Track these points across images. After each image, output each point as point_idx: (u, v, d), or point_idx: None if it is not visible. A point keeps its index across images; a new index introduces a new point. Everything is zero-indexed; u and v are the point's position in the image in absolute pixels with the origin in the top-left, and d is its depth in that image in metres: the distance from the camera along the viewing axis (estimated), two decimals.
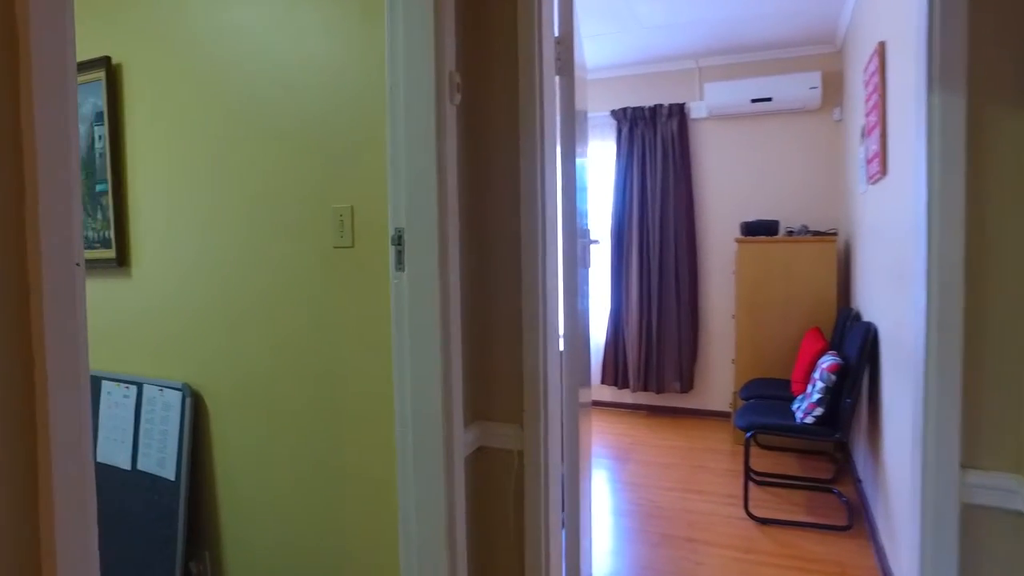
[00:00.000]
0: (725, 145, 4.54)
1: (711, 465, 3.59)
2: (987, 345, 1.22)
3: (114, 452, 2.02)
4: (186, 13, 1.84)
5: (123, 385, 2.01)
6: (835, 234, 3.82)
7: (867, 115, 2.78)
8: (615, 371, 4.92)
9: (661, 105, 4.60)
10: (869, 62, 2.68)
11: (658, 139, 4.62)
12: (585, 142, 2.29)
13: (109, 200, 1.99)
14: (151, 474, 1.94)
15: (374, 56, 1.58)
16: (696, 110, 4.55)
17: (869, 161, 2.74)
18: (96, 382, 2.06)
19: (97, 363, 2.14)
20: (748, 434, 2.86)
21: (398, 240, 1.43)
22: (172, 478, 1.90)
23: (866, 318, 2.99)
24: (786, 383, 3.66)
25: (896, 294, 2.23)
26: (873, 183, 2.72)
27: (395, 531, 1.64)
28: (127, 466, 1.99)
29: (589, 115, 4.91)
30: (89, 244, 2.07)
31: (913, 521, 1.26)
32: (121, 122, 1.98)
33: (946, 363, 1.20)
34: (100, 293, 2.11)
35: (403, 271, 1.43)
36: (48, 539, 0.60)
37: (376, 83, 1.58)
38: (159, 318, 2.00)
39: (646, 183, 4.70)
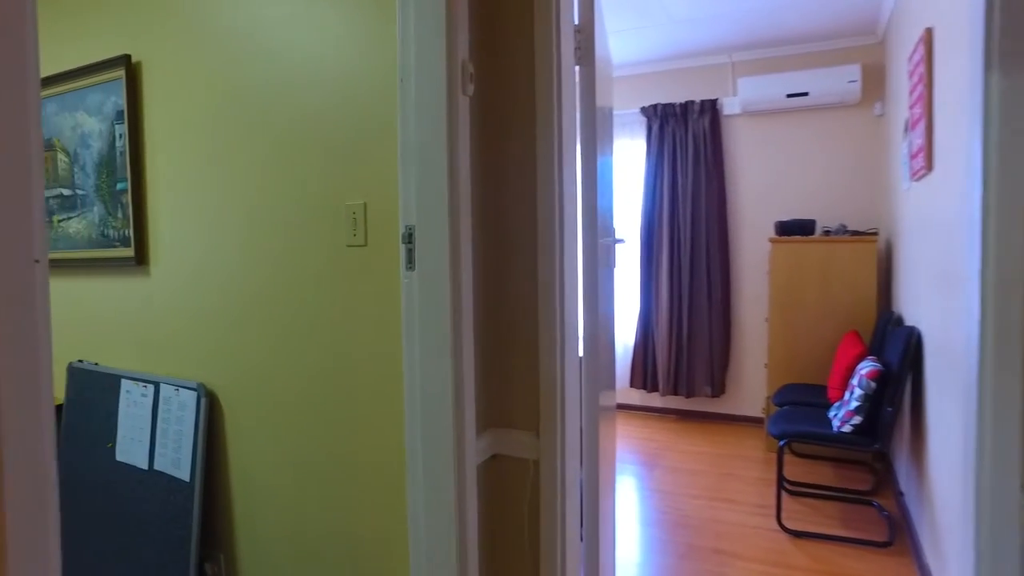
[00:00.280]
0: (759, 142, 4.39)
1: (742, 473, 3.46)
2: None
3: (133, 451, 2.01)
4: (204, 10, 1.82)
5: (141, 384, 2.00)
6: (875, 233, 3.65)
7: (911, 108, 2.63)
8: (644, 374, 4.80)
9: (692, 101, 4.47)
10: (914, 51, 2.54)
11: (689, 136, 4.49)
12: (610, 139, 2.20)
13: (128, 198, 1.98)
14: (167, 474, 1.92)
15: (390, 49, 1.53)
16: (729, 106, 4.41)
17: (913, 156, 2.59)
18: (116, 381, 2.06)
19: (117, 362, 2.14)
20: (782, 442, 2.74)
21: (409, 238, 1.37)
22: (187, 479, 1.87)
23: (909, 322, 2.84)
24: (822, 389, 3.51)
25: (943, 297, 2.09)
26: (917, 179, 2.56)
27: (408, 538, 1.58)
28: (144, 466, 1.98)
29: (618, 112, 4.81)
30: (110, 242, 2.07)
31: (967, 547, 1.15)
32: (141, 120, 1.97)
33: (1004, 374, 1.08)
34: (119, 292, 2.10)
35: (414, 270, 1.37)
36: None
37: (391, 76, 1.53)
38: (175, 317, 1.98)
39: (677, 181, 4.58)
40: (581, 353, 1.83)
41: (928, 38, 2.27)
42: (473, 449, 1.36)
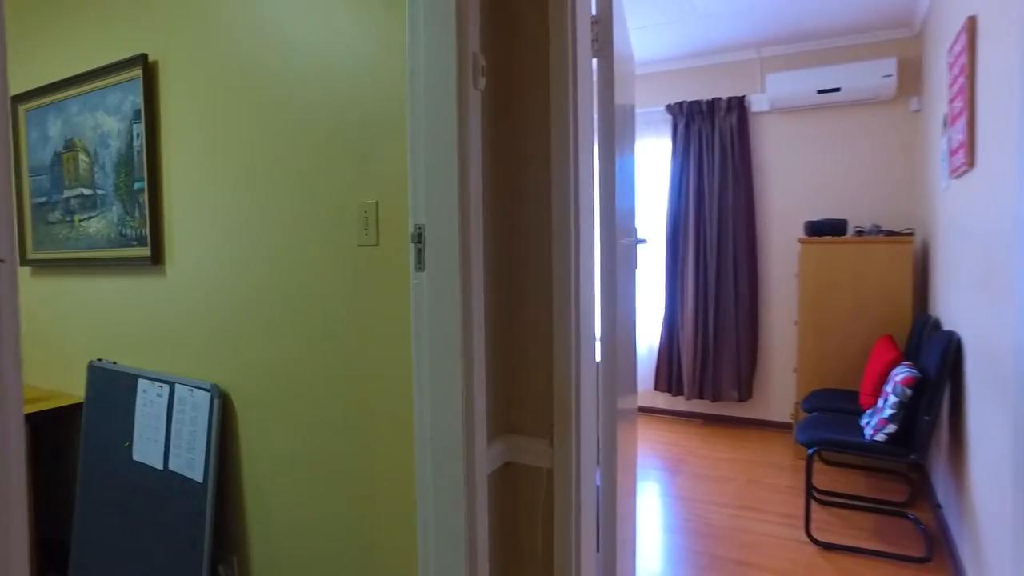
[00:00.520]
0: (788, 140, 4.26)
1: (769, 481, 3.35)
2: None
3: (148, 451, 2.00)
4: (217, 7, 1.80)
5: (157, 384, 1.99)
6: (911, 234, 3.51)
7: (951, 102, 2.51)
8: (669, 377, 4.70)
9: (719, 99, 4.36)
10: (955, 42, 2.42)
11: (716, 134, 4.38)
12: (631, 137, 2.14)
13: (145, 198, 1.98)
14: (181, 475, 1.91)
15: (403, 44, 1.49)
16: (757, 103, 4.30)
17: (953, 153, 2.47)
18: (133, 380, 2.06)
19: (135, 361, 2.14)
20: (811, 450, 2.63)
21: (418, 238, 1.32)
22: (200, 480, 1.86)
23: (947, 327, 2.71)
24: (853, 395, 3.38)
25: (986, 300, 1.98)
26: (957, 177, 2.44)
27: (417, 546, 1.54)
28: (160, 466, 1.97)
29: (643, 111, 4.72)
30: (127, 242, 2.07)
31: (1016, 563, 1.06)
32: (157, 119, 1.97)
33: None
34: (137, 291, 2.11)
35: (423, 271, 1.32)
36: None
37: (403, 71, 1.49)
38: (189, 317, 1.97)
39: (703, 181, 4.48)
40: (599, 357, 1.77)
41: (971, 27, 2.16)
42: (484, 457, 1.31)
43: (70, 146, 2.23)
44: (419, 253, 1.33)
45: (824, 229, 3.73)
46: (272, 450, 1.82)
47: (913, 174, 3.89)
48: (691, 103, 4.46)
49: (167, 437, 1.96)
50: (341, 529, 1.69)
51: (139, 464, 2.02)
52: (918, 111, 3.82)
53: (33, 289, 2.52)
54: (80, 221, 2.23)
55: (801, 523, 2.80)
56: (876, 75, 3.73)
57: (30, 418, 2.18)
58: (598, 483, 1.80)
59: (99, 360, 2.20)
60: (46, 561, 2.43)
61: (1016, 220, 1.10)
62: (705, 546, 2.61)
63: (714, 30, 3.91)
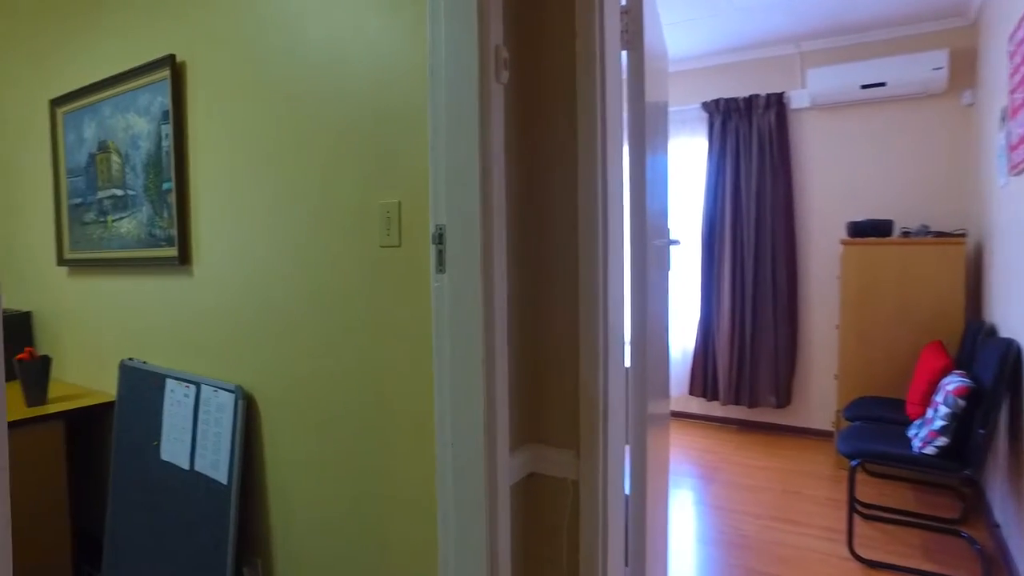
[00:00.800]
0: (830, 137, 4.10)
1: (808, 491, 3.22)
2: None
3: (176, 451, 2.01)
4: (242, 7, 1.79)
5: (184, 384, 2.00)
6: (963, 235, 3.33)
7: (1012, 93, 2.36)
8: (704, 382, 4.58)
9: (757, 95, 4.23)
10: (1017, 29, 2.27)
11: (753, 132, 4.25)
12: (664, 135, 2.06)
13: (173, 198, 1.99)
14: (206, 475, 1.91)
15: (425, 39, 1.45)
16: (797, 99, 4.15)
17: (1013, 148, 2.32)
18: (161, 380, 2.07)
19: (163, 360, 2.15)
20: (854, 462, 2.50)
21: (439, 238, 1.28)
22: (224, 481, 1.85)
23: (1005, 333, 2.55)
24: (899, 404, 3.22)
25: None
26: (1017, 174, 2.29)
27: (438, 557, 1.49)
28: (186, 466, 1.97)
29: (677, 108, 4.61)
30: (156, 242, 2.08)
31: None
32: (184, 120, 1.97)
33: None
34: (165, 291, 2.12)
35: (444, 273, 1.28)
36: None
37: (426, 67, 1.45)
38: (215, 317, 1.97)
39: (740, 180, 4.35)
40: (629, 362, 1.71)
41: None
42: (507, 467, 1.25)
43: (103, 148, 2.26)
44: (440, 254, 1.28)
45: (868, 230, 3.58)
46: (295, 452, 1.80)
47: (965, 171, 3.69)
48: (727, 100, 4.34)
49: (193, 437, 1.96)
50: (363, 532, 1.65)
51: (167, 464, 2.03)
52: (971, 105, 3.63)
53: (69, 288, 2.57)
54: (112, 221, 2.26)
55: (843, 538, 2.67)
56: (926, 68, 3.56)
57: (66, 415, 2.22)
58: (627, 492, 1.73)
59: (130, 359, 2.22)
60: (81, 553, 2.47)
61: None
62: (740, 559, 2.51)
63: (751, 24, 3.79)
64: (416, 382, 1.51)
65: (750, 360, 4.33)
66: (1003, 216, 2.62)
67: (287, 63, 1.70)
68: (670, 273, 2.15)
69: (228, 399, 1.87)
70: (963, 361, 2.93)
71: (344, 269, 1.63)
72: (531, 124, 1.35)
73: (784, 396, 4.26)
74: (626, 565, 1.59)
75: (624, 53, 1.47)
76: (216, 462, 1.88)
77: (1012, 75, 2.33)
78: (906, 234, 3.54)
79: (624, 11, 1.44)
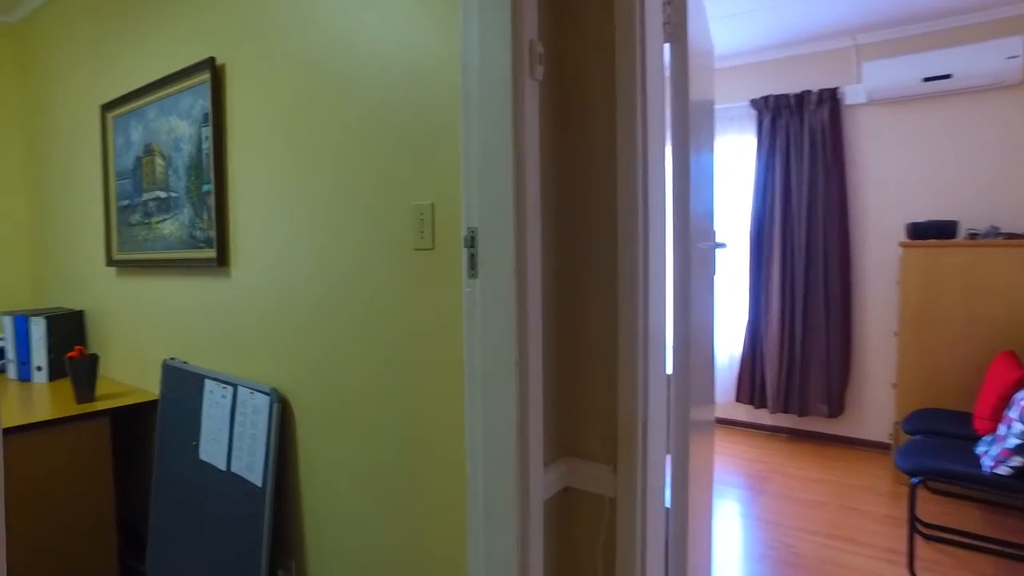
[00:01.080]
0: (888, 134, 3.89)
1: (865, 507, 3.04)
2: None
3: (213, 451, 2.02)
4: (278, 8, 1.79)
5: (221, 385, 2.01)
6: None
7: None
8: (751, 389, 4.42)
9: (809, 91, 4.05)
10: None
11: (805, 130, 4.07)
12: (710, 133, 1.97)
13: (212, 200, 2.00)
14: (242, 477, 1.91)
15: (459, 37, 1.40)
16: (852, 95, 3.95)
17: None
18: (200, 380, 2.09)
19: (202, 361, 2.18)
20: (916, 480, 2.34)
21: (471, 241, 1.23)
22: (259, 484, 1.85)
23: None
24: (965, 417, 3.01)
25: None
26: None
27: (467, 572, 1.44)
28: (223, 466, 1.98)
29: (725, 106, 4.46)
30: (196, 243, 2.11)
31: None
32: (224, 122, 1.99)
33: None
34: (204, 292, 2.14)
35: (476, 277, 1.23)
36: None
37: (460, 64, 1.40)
38: (251, 319, 1.97)
39: (790, 180, 4.17)
40: (671, 370, 1.62)
41: None
42: (540, 481, 1.20)
43: (149, 151, 2.30)
44: (472, 258, 1.24)
45: (930, 231, 3.37)
46: (328, 456, 1.78)
47: None
48: (777, 97, 4.17)
49: (230, 439, 1.97)
50: (394, 541, 1.62)
51: (205, 464, 2.05)
52: None
53: (117, 289, 2.63)
54: (156, 223, 2.30)
55: (904, 559, 2.51)
56: (998, 57, 3.33)
57: (112, 412, 2.27)
58: (668, 504, 1.65)
59: (172, 359, 2.26)
60: (126, 546, 2.53)
61: None
62: None
63: (803, 17, 3.62)
64: (448, 390, 1.47)
65: (800, 367, 4.15)
66: None
67: (322, 64, 1.68)
68: (716, 277, 2.05)
69: (263, 401, 1.86)
70: None
71: (377, 272, 1.60)
72: (567, 122, 1.29)
73: (837, 405, 4.06)
74: None
75: (667, 46, 1.40)
76: (251, 464, 1.88)
77: None
78: (973, 236, 3.32)
79: (666, 1, 1.36)
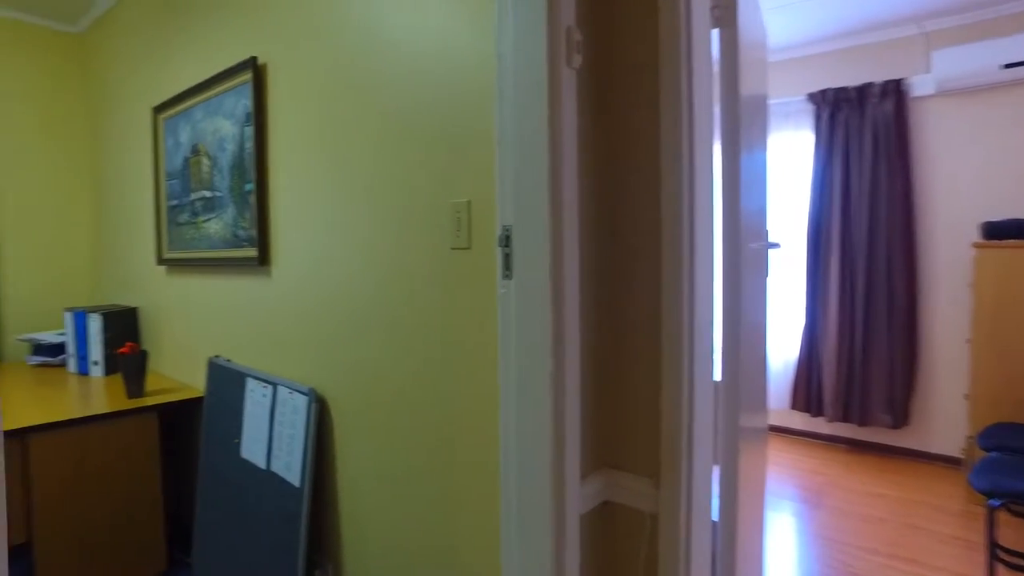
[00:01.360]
0: (960, 127, 3.64)
1: (933, 527, 2.84)
2: None
3: (254, 450, 2.03)
4: (318, 6, 1.78)
5: (262, 384, 2.02)
6: None
7: None
8: (808, 396, 4.21)
9: (871, 84, 3.83)
10: None
11: (866, 124, 3.85)
12: (763, 129, 1.86)
13: (254, 199, 2.01)
14: (280, 476, 1.91)
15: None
16: (919, 86, 3.71)
17: None
18: (242, 378, 2.11)
19: (245, 359, 2.20)
20: (995, 502, 2.16)
21: (506, 241, 1.17)
22: (297, 484, 1.84)
23: None
24: None
25: None
26: None
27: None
28: (263, 465, 1.99)
29: (779, 101, 4.27)
30: (239, 243, 2.12)
31: None
32: (265, 121, 1.99)
33: None
34: (247, 291, 2.15)
35: (511, 279, 1.17)
36: None
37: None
38: (291, 318, 1.97)
39: (850, 177, 3.96)
40: (719, 376, 1.53)
41: None
42: (576, 495, 1.13)
43: (196, 151, 2.34)
44: (507, 258, 1.18)
45: (1008, 231, 3.12)
46: (364, 459, 1.76)
47: None
48: (836, 90, 3.96)
49: (269, 438, 1.97)
50: (429, 548, 1.58)
51: (246, 462, 2.06)
52: None
53: (167, 286, 2.70)
54: (202, 222, 2.33)
55: None
56: None
57: (160, 408, 2.32)
58: (715, 518, 1.55)
59: (217, 356, 2.29)
60: (174, 539, 2.58)
61: None
62: None
63: (865, 5, 3.42)
64: (484, 395, 1.41)
65: (860, 373, 3.93)
66: None
67: (359, 61, 1.66)
68: (769, 278, 1.94)
69: (302, 401, 1.86)
70: None
71: (413, 272, 1.56)
72: (607, 114, 1.21)
73: (901, 415, 3.82)
74: None
75: (715, 32, 1.31)
76: (289, 464, 1.88)
77: None
78: None
79: None
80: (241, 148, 2.07)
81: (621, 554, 1.21)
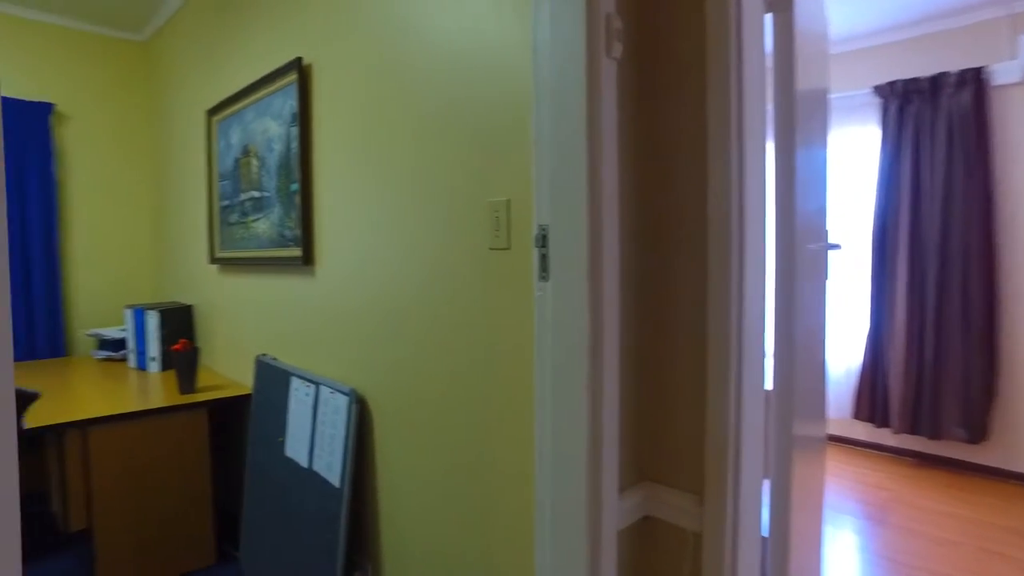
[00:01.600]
0: None
1: (1014, 553, 2.62)
2: None
3: (297, 449, 2.05)
4: (359, 4, 1.77)
5: (305, 383, 2.03)
6: None
7: None
8: (872, 404, 3.98)
9: (946, 73, 3.58)
10: None
11: (940, 117, 3.61)
12: (823, 124, 1.74)
13: (299, 199, 2.03)
14: (321, 476, 1.92)
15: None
16: (1003, 73, 3.44)
17: None
18: (286, 377, 2.13)
19: (290, 358, 2.22)
20: None
21: (542, 241, 1.12)
22: (337, 484, 1.84)
23: None
24: None
25: None
26: None
27: None
28: (305, 464, 2.00)
29: (843, 95, 4.06)
30: (285, 242, 2.15)
31: None
32: (310, 121, 2.01)
33: None
34: (292, 290, 2.18)
35: (547, 281, 1.12)
36: None
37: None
38: (333, 318, 1.98)
39: (921, 174, 3.71)
40: (771, 384, 1.44)
41: None
42: (614, 510, 1.07)
43: (246, 152, 2.39)
44: (543, 259, 1.13)
45: None
46: (403, 462, 1.74)
47: None
48: (907, 82, 3.72)
49: (312, 437, 1.98)
50: (466, 553, 1.54)
51: (290, 460, 2.08)
52: None
53: (219, 285, 2.77)
54: (251, 222, 2.38)
55: None
56: None
57: (210, 404, 2.37)
58: (765, 533, 1.46)
59: (264, 355, 2.32)
60: (224, 533, 2.64)
61: None
62: None
63: None
64: (520, 400, 1.37)
65: (931, 382, 3.68)
66: None
67: (400, 58, 1.64)
68: (829, 281, 1.82)
69: (343, 402, 1.86)
70: None
71: (453, 273, 1.53)
72: (650, 107, 1.15)
73: (978, 429, 3.55)
74: None
75: (768, 16, 1.22)
76: (331, 464, 1.88)
77: None
78: None
79: None
80: (287, 148, 2.09)
81: (661, 572, 1.14)
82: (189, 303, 3.10)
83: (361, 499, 1.92)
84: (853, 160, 4.06)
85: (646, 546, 1.17)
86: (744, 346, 1.08)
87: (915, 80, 3.69)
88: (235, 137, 2.47)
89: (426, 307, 1.62)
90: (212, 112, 2.64)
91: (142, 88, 3.59)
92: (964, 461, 3.67)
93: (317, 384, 1.98)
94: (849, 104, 4.05)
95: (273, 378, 2.22)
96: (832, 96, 4.12)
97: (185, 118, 3.09)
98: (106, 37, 3.46)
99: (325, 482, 1.90)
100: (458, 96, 1.47)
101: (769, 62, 1.28)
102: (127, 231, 3.54)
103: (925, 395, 3.71)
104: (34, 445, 2.69)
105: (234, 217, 2.51)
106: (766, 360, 1.24)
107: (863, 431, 4.08)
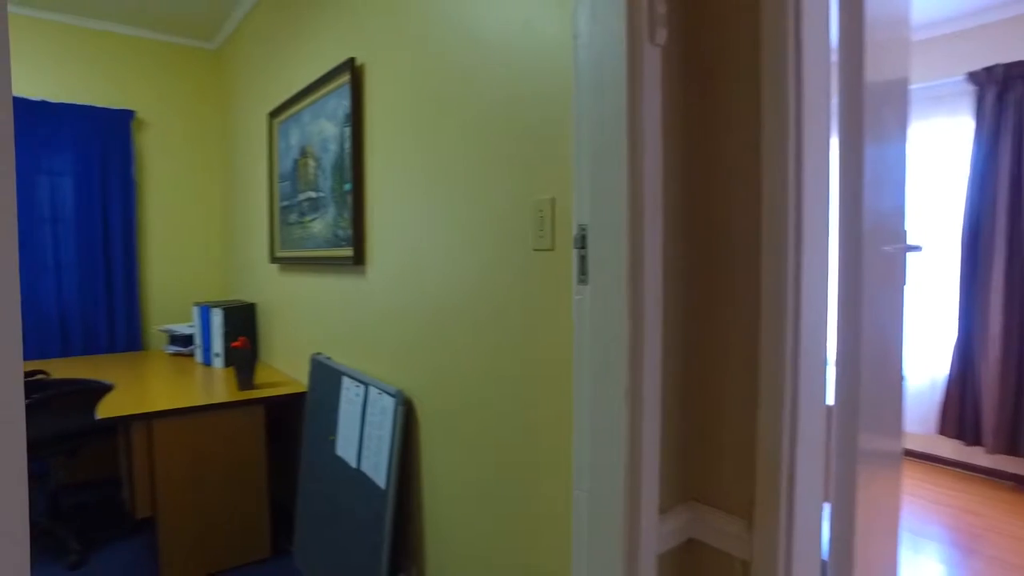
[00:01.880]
0: None
1: None
2: None
3: (347, 448, 2.06)
4: (410, 5, 1.76)
5: (355, 383, 2.04)
6: None
7: None
8: (959, 420, 3.66)
9: None
10: None
11: None
12: (902, 115, 1.58)
13: (351, 199, 2.04)
14: (368, 476, 1.92)
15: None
16: None
17: None
18: (338, 376, 2.15)
19: (343, 357, 2.24)
20: None
21: (582, 242, 1.06)
22: (383, 486, 1.84)
23: None
24: None
25: None
26: None
27: None
28: (354, 464, 2.01)
29: (929, 84, 3.75)
30: (338, 242, 2.17)
31: None
32: (362, 121, 2.01)
33: None
34: (344, 290, 2.20)
35: (587, 284, 1.06)
36: None
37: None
38: (382, 319, 1.98)
39: (1022, 169, 3.38)
40: (832, 399, 1.31)
41: None
42: (654, 531, 0.99)
43: (303, 153, 2.43)
44: (582, 261, 1.07)
45: None
46: (447, 466, 1.71)
47: None
48: (1007, 66, 3.40)
49: (360, 437, 1.99)
50: (509, 561, 1.50)
51: (339, 459, 2.10)
52: None
53: (278, 284, 2.84)
54: (308, 222, 2.42)
55: None
56: None
57: (267, 401, 2.43)
58: (825, 557, 1.33)
59: (318, 354, 2.36)
60: (279, 526, 2.71)
61: None
62: None
63: None
64: (563, 410, 1.31)
65: None
66: None
67: (447, 57, 1.62)
68: (907, 285, 1.66)
69: (389, 403, 1.85)
70: None
71: (498, 275, 1.48)
72: (697, 97, 1.06)
73: None
74: None
75: (834, 0, 1.11)
76: (377, 464, 1.88)
77: None
78: None
79: None
80: (341, 148, 2.11)
81: None
82: (252, 301, 3.20)
83: (406, 501, 1.91)
84: (940, 155, 3.75)
85: (690, 570, 1.08)
86: (801, 355, 0.98)
87: (1018, 64, 3.36)
88: (294, 138, 2.52)
89: (471, 309, 1.58)
90: (273, 114, 2.71)
91: (213, 94, 3.75)
92: None
93: (366, 384, 1.99)
94: (936, 94, 3.75)
95: (326, 377, 2.25)
96: (915, 86, 3.82)
97: (250, 121, 3.19)
98: (182, 47, 3.64)
99: (371, 483, 1.90)
100: (504, 93, 1.42)
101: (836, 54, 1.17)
102: (198, 231, 3.71)
103: (1022, 411, 3.37)
104: (108, 434, 2.84)
105: (293, 217, 2.57)
106: (828, 371, 1.13)
107: (949, 448, 3.77)
